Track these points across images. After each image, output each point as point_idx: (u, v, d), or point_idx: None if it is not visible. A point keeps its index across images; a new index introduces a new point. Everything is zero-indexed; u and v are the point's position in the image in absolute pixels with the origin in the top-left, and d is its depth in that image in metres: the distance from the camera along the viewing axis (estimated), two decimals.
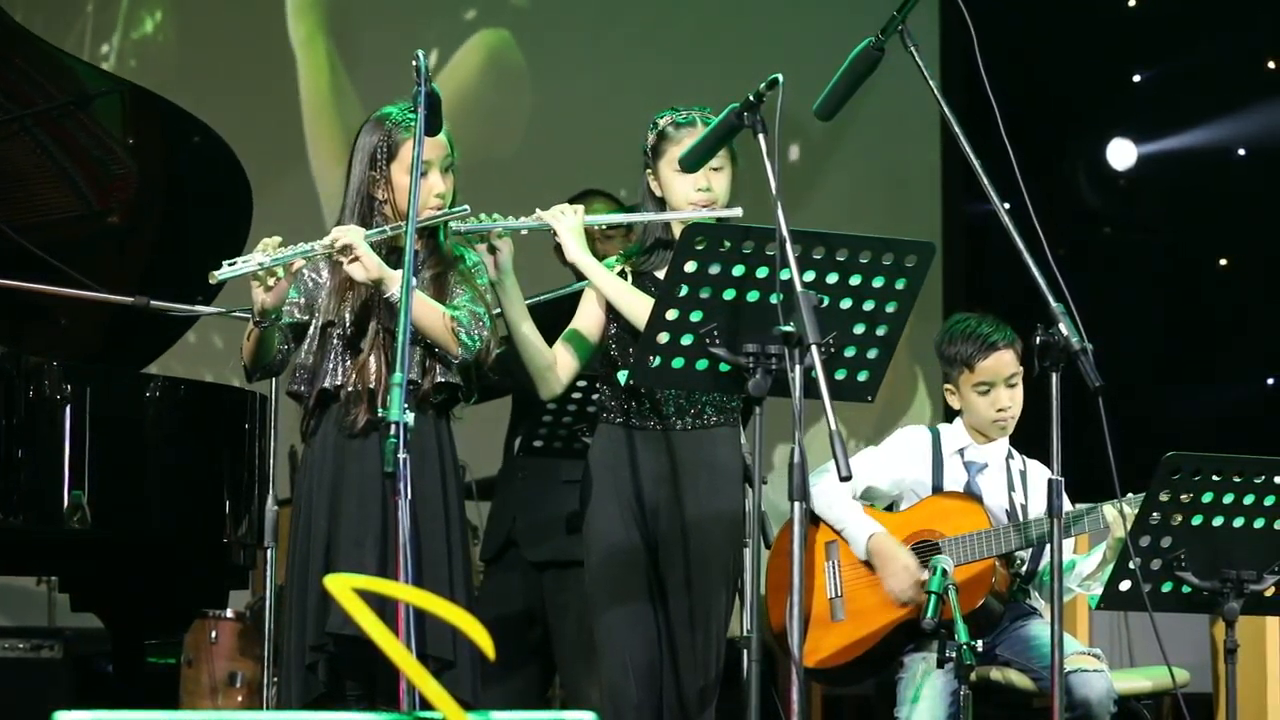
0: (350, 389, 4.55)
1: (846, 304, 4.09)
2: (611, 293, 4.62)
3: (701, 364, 4.11)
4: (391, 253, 4.55)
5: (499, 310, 4.67)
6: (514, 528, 5.85)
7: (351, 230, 4.49)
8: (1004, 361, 5.04)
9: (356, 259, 4.44)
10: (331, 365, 4.57)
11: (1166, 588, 4.44)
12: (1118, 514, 4.67)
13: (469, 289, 4.59)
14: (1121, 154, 9.53)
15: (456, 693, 4.28)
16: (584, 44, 8.47)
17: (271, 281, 4.43)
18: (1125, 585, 4.42)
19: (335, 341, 4.58)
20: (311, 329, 4.61)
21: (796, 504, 3.77)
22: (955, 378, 5.09)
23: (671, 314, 4.07)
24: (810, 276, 4.00)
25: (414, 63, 4.24)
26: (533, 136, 8.40)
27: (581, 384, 5.13)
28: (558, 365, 4.68)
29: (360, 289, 4.56)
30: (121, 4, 7.80)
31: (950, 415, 5.24)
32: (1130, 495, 4.55)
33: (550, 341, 4.70)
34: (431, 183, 4.56)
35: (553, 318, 4.91)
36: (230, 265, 4.44)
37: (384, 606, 2.70)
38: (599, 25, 8.57)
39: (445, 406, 4.62)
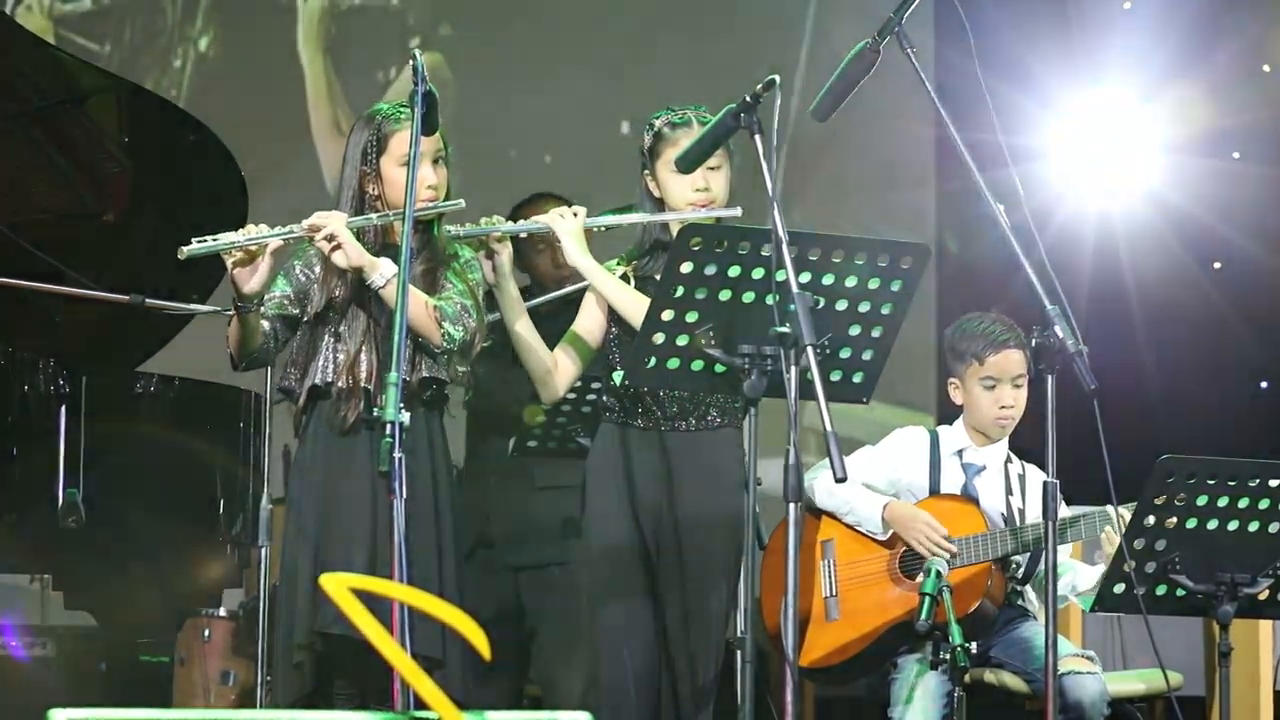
0: (341, 385, 4.53)
1: (842, 305, 4.08)
2: (612, 295, 4.60)
3: (697, 365, 4.09)
4: (385, 249, 4.54)
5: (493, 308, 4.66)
6: (486, 529, 5.86)
7: (333, 216, 4.47)
8: (1012, 360, 5.04)
9: (339, 246, 4.43)
10: (322, 361, 4.56)
11: (1161, 590, 4.44)
12: (1113, 521, 4.68)
13: (460, 283, 4.57)
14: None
15: (447, 692, 4.29)
16: (500, 60, 9.27)
17: (251, 260, 4.40)
18: (1119, 588, 4.41)
19: (326, 337, 4.57)
20: (303, 325, 4.60)
21: (791, 505, 3.77)
22: (962, 372, 5.08)
23: (667, 314, 4.05)
24: (806, 278, 3.98)
25: (411, 63, 4.24)
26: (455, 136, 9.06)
27: (576, 384, 5.12)
28: (558, 369, 4.67)
29: (350, 282, 4.54)
30: (195, 32, 9.06)
31: (947, 418, 5.23)
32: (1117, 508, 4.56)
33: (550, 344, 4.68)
34: (423, 174, 4.52)
35: (552, 321, 4.90)
36: (200, 241, 4.41)
37: (375, 605, 2.69)
38: (512, 43, 9.33)
39: (434, 402, 4.60)
